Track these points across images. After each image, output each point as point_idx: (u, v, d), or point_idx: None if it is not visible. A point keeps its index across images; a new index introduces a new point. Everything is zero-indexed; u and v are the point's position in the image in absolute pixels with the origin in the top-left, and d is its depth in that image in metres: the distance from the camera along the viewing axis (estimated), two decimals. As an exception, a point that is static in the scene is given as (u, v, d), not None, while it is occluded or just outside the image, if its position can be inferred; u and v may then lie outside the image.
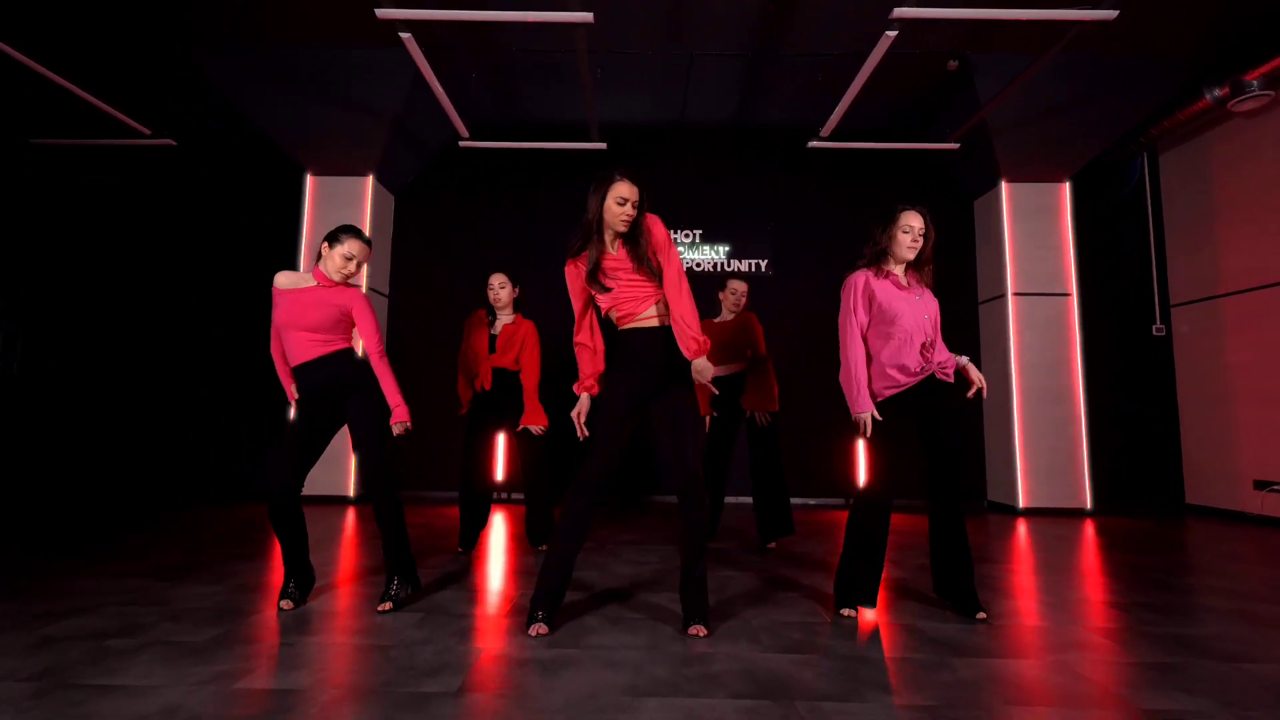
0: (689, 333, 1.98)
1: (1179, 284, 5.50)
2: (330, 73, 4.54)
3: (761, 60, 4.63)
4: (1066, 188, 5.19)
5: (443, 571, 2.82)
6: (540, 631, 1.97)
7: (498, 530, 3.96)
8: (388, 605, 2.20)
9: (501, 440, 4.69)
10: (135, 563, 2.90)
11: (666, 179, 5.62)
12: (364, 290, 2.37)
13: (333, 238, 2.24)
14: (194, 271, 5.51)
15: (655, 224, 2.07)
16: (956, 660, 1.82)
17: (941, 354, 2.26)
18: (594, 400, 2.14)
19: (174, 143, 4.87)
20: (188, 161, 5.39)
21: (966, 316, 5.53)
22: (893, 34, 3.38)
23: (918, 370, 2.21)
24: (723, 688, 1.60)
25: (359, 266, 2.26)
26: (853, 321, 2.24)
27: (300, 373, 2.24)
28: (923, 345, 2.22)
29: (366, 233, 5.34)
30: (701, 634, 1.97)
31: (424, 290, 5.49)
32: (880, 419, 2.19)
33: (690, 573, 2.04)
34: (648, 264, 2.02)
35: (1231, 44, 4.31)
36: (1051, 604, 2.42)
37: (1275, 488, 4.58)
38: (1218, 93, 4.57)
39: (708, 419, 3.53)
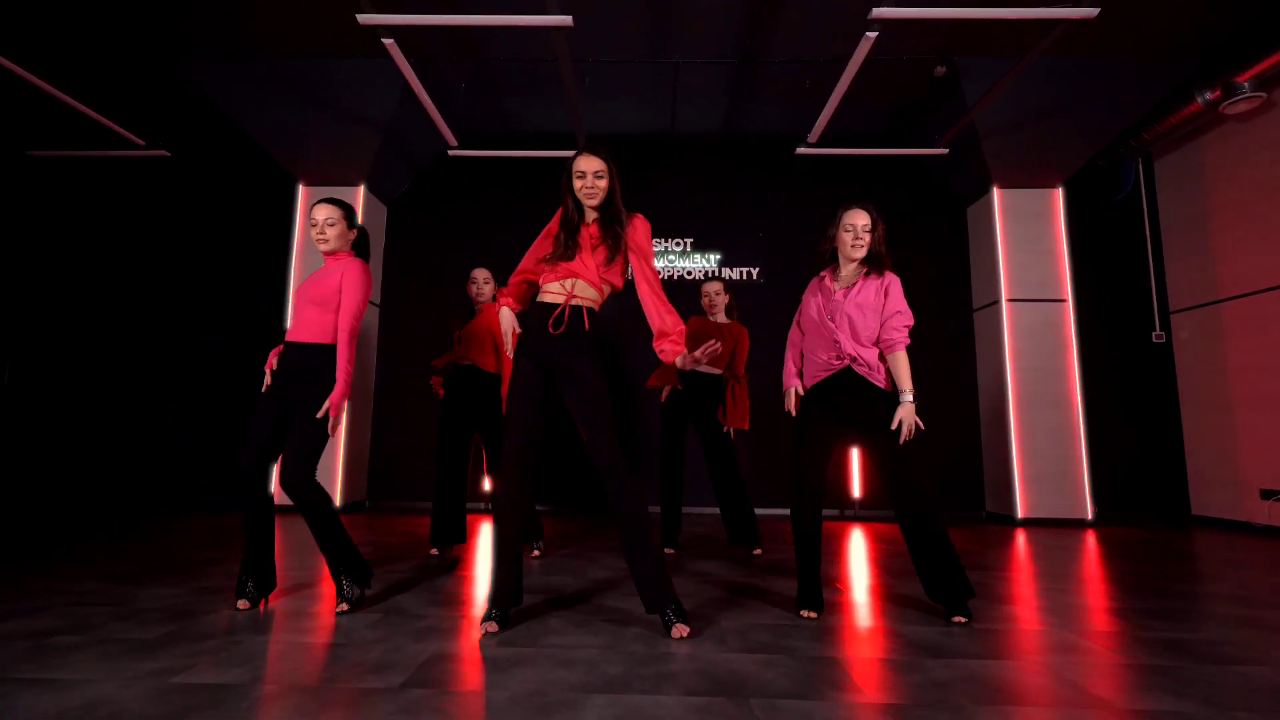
0: (665, 343, 2.03)
1: (1178, 290, 5.40)
2: (321, 83, 4.59)
3: (747, 66, 4.65)
4: (1059, 193, 5.14)
5: (408, 574, 2.74)
6: (490, 630, 1.90)
7: (472, 535, 3.87)
8: (344, 606, 2.13)
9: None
10: (93, 566, 2.84)
11: (657, 188, 5.62)
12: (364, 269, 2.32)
13: None
14: (186, 282, 5.53)
15: (638, 225, 2.11)
16: (930, 661, 1.72)
17: (857, 350, 2.17)
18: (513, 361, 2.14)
19: (167, 153, 4.92)
20: (181, 172, 5.44)
21: (961, 324, 5.45)
22: (873, 35, 3.37)
23: (827, 361, 2.23)
24: (676, 685, 1.52)
25: (322, 228, 2.25)
26: (797, 316, 2.46)
27: (284, 350, 2.24)
28: (830, 340, 2.20)
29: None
30: (684, 634, 1.87)
31: (417, 300, 5.48)
32: (805, 402, 2.29)
33: (636, 565, 1.94)
34: (610, 241, 2.05)
35: (1221, 45, 4.28)
36: (1046, 609, 2.31)
37: (1283, 497, 4.43)
38: (1209, 95, 4.53)
39: (665, 389, 3.42)
